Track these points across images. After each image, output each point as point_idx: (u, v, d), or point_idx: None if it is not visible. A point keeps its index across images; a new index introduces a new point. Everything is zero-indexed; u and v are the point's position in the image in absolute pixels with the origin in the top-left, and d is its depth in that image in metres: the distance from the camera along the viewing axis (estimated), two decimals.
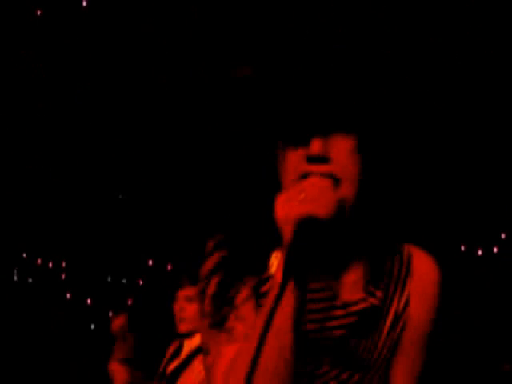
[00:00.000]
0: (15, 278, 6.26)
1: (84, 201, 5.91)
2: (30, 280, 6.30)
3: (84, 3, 3.37)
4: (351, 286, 1.42)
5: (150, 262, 6.29)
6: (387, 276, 1.44)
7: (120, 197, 5.97)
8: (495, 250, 5.99)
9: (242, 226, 1.46)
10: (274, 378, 1.25)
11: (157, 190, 5.81)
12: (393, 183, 1.47)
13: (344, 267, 1.43)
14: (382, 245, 1.46)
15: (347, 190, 1.33)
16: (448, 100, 4.84)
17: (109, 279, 6.39)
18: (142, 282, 6.34)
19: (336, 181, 1.32)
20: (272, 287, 1.28)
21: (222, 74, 4.48)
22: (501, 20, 4.19)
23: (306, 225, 1.25)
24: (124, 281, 6.37)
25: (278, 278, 1.26)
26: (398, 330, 1.44)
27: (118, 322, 3.60)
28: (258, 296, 1.40)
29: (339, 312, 1.41)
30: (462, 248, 6.08)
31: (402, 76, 4.35)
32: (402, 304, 1.44)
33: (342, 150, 1.33)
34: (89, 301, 6.33)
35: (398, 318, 1.44)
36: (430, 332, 1.47)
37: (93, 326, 6.36)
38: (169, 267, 6.28)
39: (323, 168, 1.32)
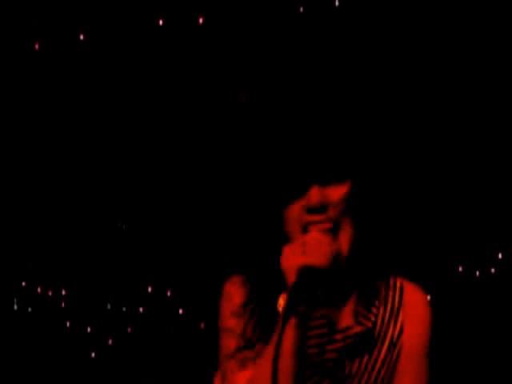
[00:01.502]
0: (15, 307, 6.26)
1: (83, 229, 5.93)
2: (30, 309, 6.30)
3: (81, 37, 3.43)
4: (347, 312, 1.62)
5: (150, 289, 6.30)
6: (381, 303, 1.63)
7: (119, 225, 5.99)
8: (492, 270, 6.01)
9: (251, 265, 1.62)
10: None
11: (156, 217, 5.83)
12: (389, 214, 1.58)
13: (340, 296, 1.64)
14: (376, 275, 1.67)
15: (344, 241, 1.56)
16: (437, 126, 4.89)
17: (108, 307, 6.39)
18: (141, 310, 6.33)
19: (335, 229, 1.55)
20: (278, 325, 1.49)
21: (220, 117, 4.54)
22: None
23: (306, 273, 1.47)
24: (124, 309, 6.37)
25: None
26: (394, 355, 1.61)
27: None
28: (266, 326, 1.62)
29: (337, 336, 1.58)
30: (460, 269, 6.10)
31: (392, 122, 4.43)
32: (397, 330, 1.62)
33: (338, 196, 1.55)
34: (89, 329, 6.33)
35: (394, 343, 1.61)
36: (427, 354, 1.64)
37: (93, 355, 6.35)
38: (168, 293, 6.29)
39: (322, 216, 1.55)
